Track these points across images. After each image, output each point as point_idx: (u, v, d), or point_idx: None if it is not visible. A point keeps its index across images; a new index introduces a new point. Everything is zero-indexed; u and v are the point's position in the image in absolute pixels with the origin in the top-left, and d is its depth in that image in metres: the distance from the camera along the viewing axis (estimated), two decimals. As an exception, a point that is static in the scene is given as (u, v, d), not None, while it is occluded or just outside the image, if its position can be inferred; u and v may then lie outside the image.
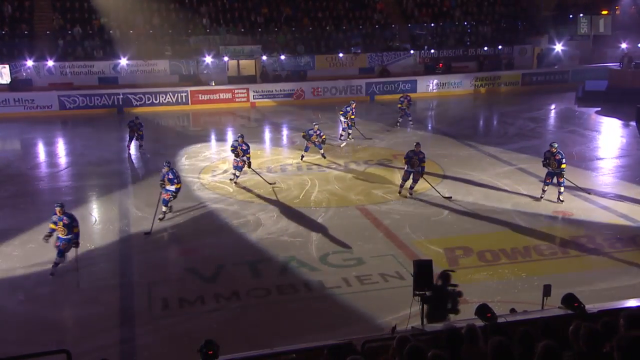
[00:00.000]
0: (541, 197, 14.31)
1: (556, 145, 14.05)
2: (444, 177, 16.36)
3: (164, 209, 13.30)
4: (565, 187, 14.13)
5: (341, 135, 20.61)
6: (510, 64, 33.28)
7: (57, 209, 10.72)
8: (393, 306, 9.29)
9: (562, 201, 14.11)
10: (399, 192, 14.84)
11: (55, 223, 10.74)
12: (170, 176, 13.17)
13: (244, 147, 15.64)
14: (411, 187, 14.71)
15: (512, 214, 13.58)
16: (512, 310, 6.87)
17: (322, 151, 18.09)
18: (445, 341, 5.15)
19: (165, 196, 13.24)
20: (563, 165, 13.87)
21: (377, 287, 10.36)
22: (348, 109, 20.23)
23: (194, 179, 16.54)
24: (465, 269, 11.03)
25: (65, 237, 10.73)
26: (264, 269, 11.10)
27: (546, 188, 14.27)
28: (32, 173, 17.82)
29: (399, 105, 22.64)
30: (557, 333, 5.42)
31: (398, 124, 22.82)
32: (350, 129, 20.44)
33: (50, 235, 10.80)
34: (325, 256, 11.56)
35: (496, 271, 10.94)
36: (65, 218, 10.68)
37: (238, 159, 15.69)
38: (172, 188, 13.23)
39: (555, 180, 14.08)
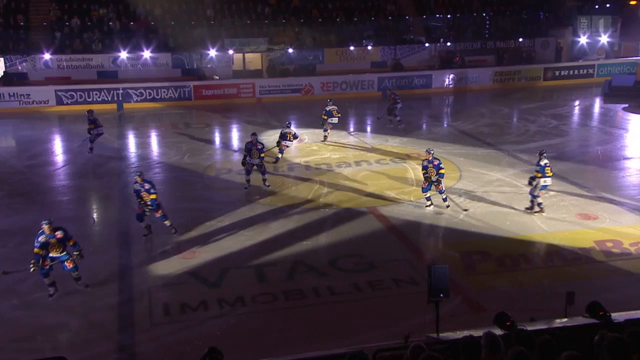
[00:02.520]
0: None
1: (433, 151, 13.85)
2: (461, 177, 16.30)
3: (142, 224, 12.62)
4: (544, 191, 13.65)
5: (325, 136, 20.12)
6: (531, 58, 33.13)
7: (46, 226, 10.00)
8: (406, 314, 9.28)
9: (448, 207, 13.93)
10: (428, 206, 14.07)
11: (44, 245, 10.00)
12: (147, 186, 12.34)
13: (259, 147, 15.32)
14: (441, 192, 14.01)
15: (533, 217, 13.50)
16: (532, 320, 6.83)
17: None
18: (461, 351, 5.13)
19: (139, 210, 12.45)
20: (442, 170, 13.65)
21: (389, 294, 10.34)
22: (328, 109, 19.76)
23: (197, 178, 16.58)
24: (483, 275, 11.00)
25: (60, 254, 10.15)
26: (270, 273, 11.10)
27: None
28: (28, 172, 17.93)
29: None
30: (581, 343, 5.39)
31: (379, 118, 22.71)
32: (326, 131, 19.94)
33: (37, 262, 9.99)
34: (334, 260, 11.55)
35: (516, 277, 10.88)
36: (58, 233, 10.09)
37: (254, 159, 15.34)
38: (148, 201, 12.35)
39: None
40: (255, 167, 15.40)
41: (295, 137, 18.01)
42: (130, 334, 9.28)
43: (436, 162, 13.68)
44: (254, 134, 15.73)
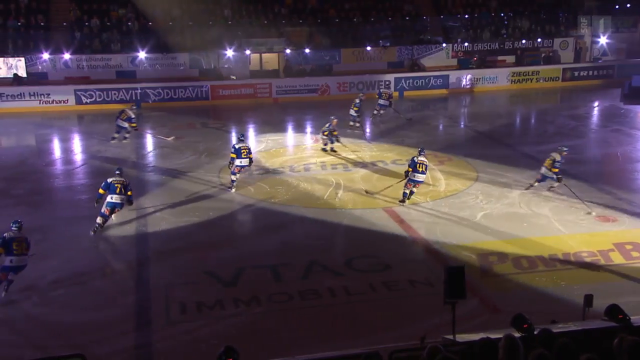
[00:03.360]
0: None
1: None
2: (478, 178, 16.20)
3: (99, 219, 12.74)
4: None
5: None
6: (550, 58, 32.83)
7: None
8: (422, 315, 9.24)
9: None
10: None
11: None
12: (127, 183, 12.93)
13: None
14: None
15: (550, 218, 13.39)
16: (553, 322, 6.76)
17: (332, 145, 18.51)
18: (478, 352, 5.10)
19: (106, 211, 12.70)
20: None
21: (405, 294, 10.32)
22: (329, 126, 18.64)
23: (214, 177, 16.65)
24: (500, 276, 10.92)
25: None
26: (286, 273, 11.12)
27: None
28: (48, 170, 18.13)
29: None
30: (600, 347, 5.33)
31: (410, 119, 22.77)
32: (333, 143, 18.82)
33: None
34: (350, 260, 11.54)
35: (533, 279, 10.80)
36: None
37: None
38: (118, 200, 12.74)
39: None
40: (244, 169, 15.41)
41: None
42: (147, 332, 9.35)
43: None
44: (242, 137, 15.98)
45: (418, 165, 13.94)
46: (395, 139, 20.56)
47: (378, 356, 5.82)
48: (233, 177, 15.23)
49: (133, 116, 20.01)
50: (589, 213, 13.43)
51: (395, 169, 17.18)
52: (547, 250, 11.78)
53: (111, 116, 24.43)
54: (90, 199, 15.07)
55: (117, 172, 13.08)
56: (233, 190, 15.19)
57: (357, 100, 21.23)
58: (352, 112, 20.93)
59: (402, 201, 14.16)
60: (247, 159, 15.12)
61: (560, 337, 5.32)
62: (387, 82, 28.92)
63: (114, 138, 20.17)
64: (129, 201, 12.91)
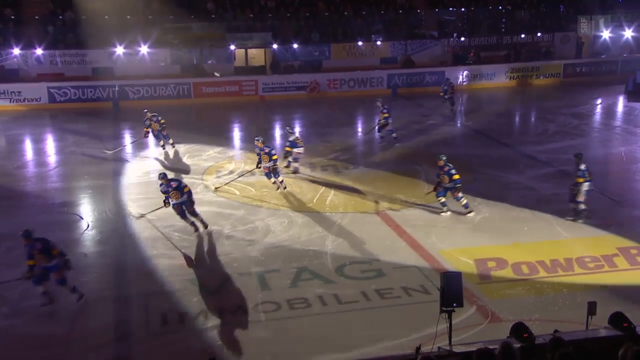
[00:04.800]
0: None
1: (444, 157, 13.75)
2: (475, 179, 16.27)
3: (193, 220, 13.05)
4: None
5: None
6: (550, 53, 33.04)
7: (23, 238, 10.05)
8: (417, 323, 9.26)
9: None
10: (444, 212, 13.99)
11: (30, 256, 10.04)
12: (174, 185, 12.99)
13: (266, 151, 15.28)
14: (458, 199, 13.91)
15: (552, 222, 13.46)
16: (556, 332, 6.77)
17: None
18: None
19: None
20: (456, 177, 13.58)
21: (399, 302, 10.32)
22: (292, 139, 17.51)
23: (197, 180, 16.61)
24: (499, 283, 10.97)
25: (50, 264, 10.09)
26: (274, 280, 11.10)
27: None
28: (19, 173, 18.02)
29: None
30: (604, 356, 5.37)
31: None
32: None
33: (31, 272, 10.04)
34: (341, 267, 11.54)
35: (534, 286, 10.83)
36: (38, 244, 10.06)
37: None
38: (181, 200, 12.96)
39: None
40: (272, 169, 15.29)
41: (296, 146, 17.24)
42: (126, 345, 9.29)
43: (446, 169, 13.62)
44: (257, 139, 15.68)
45: (586, 172, 13.36)
46: (387, 139, 20.57)
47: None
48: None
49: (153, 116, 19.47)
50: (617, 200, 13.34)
51: (390, 171, 17.23)
52: (549, 255, 11.84)
53: (87, 115, 24.43)
54: (64, 203, 15.00)
55: (161, 177, 13.01)
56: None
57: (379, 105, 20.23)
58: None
59: (577, 215, 13.51)
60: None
61: (562, 347, 5.36)
62: (380, 79, 29.02)
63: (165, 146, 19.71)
64: (190, 201, 12.97)
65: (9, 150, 21.09)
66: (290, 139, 17.28)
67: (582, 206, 13.42)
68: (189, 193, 12.98)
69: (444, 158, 13.79)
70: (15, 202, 15.38)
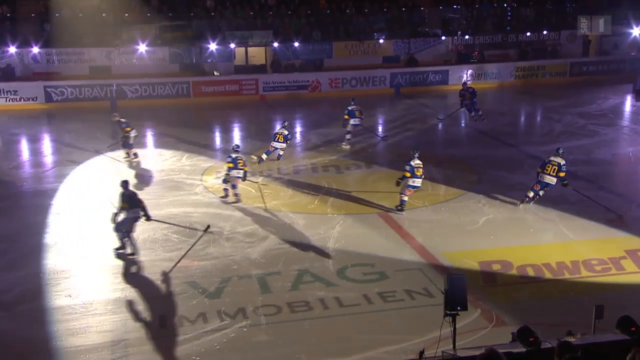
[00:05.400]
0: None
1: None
2: (479, 180, 16.25)
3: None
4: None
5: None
6: (556, 52, 33.01)
7: None
8: (420, 327, 9.25)
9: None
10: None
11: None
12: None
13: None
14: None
15: (558, 224, 13.44)
16: (569, 334, 6.73)
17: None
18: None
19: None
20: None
21: (402, 306, 10.32)
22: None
23: (196, 180, 16.61)
24: (504, 286, 10.96)
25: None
26: (274, 283, 11.10)
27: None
28: (15, 174, 18.01)
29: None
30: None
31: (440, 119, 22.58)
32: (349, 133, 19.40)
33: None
34: (343, 269, 11.53)
35: (540, 289, 10.84)
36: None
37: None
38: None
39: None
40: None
41: (286, 139, 17.86)
42: (124, 348, 9.28)
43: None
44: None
45: (416, 169, 13.87)
46: (390, 139, 20.57)
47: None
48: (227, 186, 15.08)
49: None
50: (620, 216, 13.57)
51: (392, 172, 17.21)
52: (555, 257, 11.83)
53: (85, 114, 24.41)
54: (60, 203, 14.98)
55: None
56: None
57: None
58: (356, 120, 19.76)
59: (401, 209, 14.12)
60: (242, 171, 14.89)
61: (570, 351, 5.35)
62: (383, 78, 28.95)
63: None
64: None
65: (5, 151, 21.05)
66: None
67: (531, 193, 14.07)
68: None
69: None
70: (12, 203, 15.34)
